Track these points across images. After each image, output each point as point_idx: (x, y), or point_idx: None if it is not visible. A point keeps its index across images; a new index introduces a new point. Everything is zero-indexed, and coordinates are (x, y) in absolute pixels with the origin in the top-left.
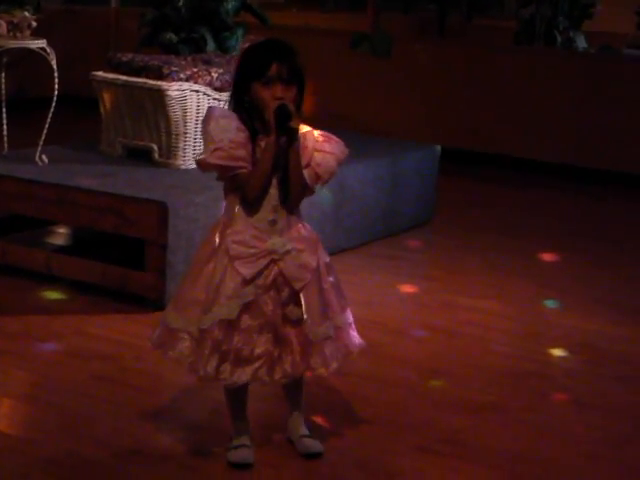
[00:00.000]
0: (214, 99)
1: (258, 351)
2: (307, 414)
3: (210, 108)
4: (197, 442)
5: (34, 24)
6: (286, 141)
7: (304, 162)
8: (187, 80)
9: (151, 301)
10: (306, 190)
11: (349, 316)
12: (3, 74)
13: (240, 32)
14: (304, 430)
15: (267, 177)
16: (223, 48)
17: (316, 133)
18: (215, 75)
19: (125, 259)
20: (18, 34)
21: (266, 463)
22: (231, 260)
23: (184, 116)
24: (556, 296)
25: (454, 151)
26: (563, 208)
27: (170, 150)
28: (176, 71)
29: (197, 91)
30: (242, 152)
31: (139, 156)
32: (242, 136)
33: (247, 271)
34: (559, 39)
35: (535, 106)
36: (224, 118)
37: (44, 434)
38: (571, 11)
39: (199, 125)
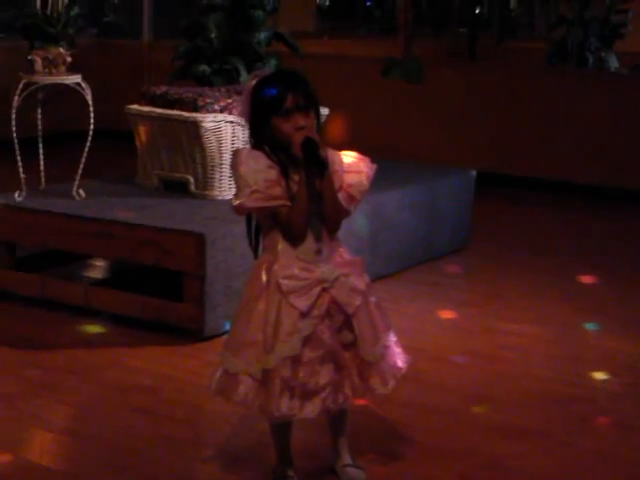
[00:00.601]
0: None
1: (322, 382)
2: (350, 443)
3: (236, 151)
4: (240, 474)
5: (69, 60)
6: (318, 171)
7: (337, 185)
8: (221, 111)
9: (190, 332)
10: (344, 214)
11: (393, 335)
12: (39, 110)
13: (273, 62)
14: (347, 459)
15: (307, 212)
16: None
17: (342, 154)
18: None
19: (163, 291)
20: (53, 70)
21: None
22: (284, 296)
23: (219, 147)
24: (596, 318)
25: (488, 175)
26: (599, 229)
27: (206, 181)
28: (210, 103)
29: (232, 122)
30: (278, 190)
31: (175, 188)
32: (274, 173)
33: (303, 304)
34: (591, 60)
35: (568, 127)
36: (253, 158)
37: (86, 468)
38: (602, 31)
39: None
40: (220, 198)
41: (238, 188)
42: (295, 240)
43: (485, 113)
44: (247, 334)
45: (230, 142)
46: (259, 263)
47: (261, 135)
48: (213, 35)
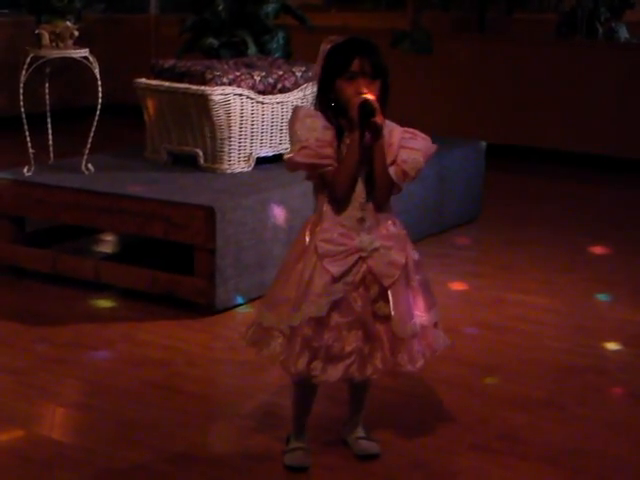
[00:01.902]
0: (257, 102)
1: (349, 348)
2: (363, 416)
3: (296, 108)
4: (252, 446)
5: (76, 34)
6: (371, 137)
7: (390, 159)
8: (230, 84)
9: (201, 306)
10: (393, 187)
11: (436, 315)
12: (47, 84)
13: (281, 35)
14: (361, 431)
15: (353, 174)
16: (264, 51)
17: (402, 130)
18: (258, 78)
19: (174, 265)
20: (60, 44)
21: (322, 465)
22: (320, 258)
23: (228, 120)
24: (607, 289)
25: (498, 146)
26: (610, 200)
27: (215, 155)
28: (219, 75)
29: (240, 95)
30: (329, 150)
31: (184, 162)
32: (329, 134)
33: (336, 269)
34: (600, 30)
35: (578, 98)
36: (310, 117)
37: (98, 442)
38: (612, 2)
39: (243, 129)
40: (229, 171)
41: (291, 143)
42: (337, 202)
43: (494, 85)
44: (283, 291)
45: (239, 115)
46: (305, 224)
47: (326, 98)
48: (221, 8)
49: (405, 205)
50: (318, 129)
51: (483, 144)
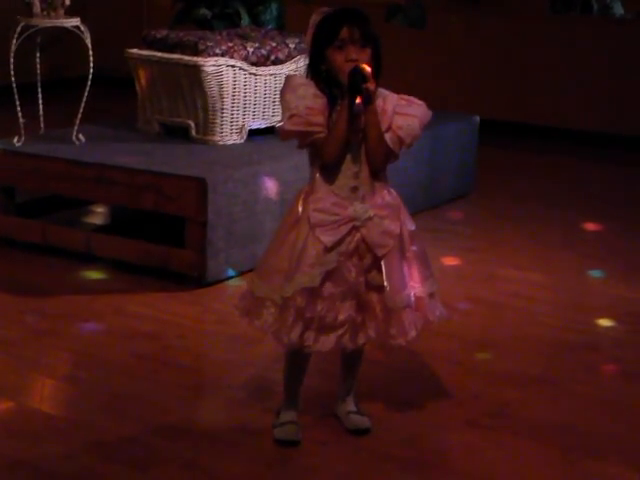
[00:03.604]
0: (250, 74)
1: (341, 318)
2: (355, 390)
3: (288, 77)
4: (242, 419)
5: (68, 3)
6: (362, 103)
7: (385, 126)
8: (223, 55)
9: (192, 278)
10: (390, 155)
11: (432, 286)
12: (38, 54)
13: (274, 6)
14: (352, 406)
15: (343, 140)
16: (257, 22)
17: (397, 97)
18: (251, 50)
19: (165, 237)
20: (52, 13)
21: (313, 440)
22: (312, 228)
23: (220, 91)
24: (600, 266)
25: (491, 122)
26: (604, 177)
27: (207, 126)
28: (211, 46)
29: (233, 66)
30: (319, 118)
31: (176, 133)
32: (319, 102)
33: (328, 239)
34: (595, 6)
35: (572, 74)
36: (301, 86)
37: (87, 414)
38: None
39: (236, 100)
40: (221, 143)
41: (282, 112)
42: (328, 169)
43: (489, 59)
44: (276, 261)
45: (232, 86)
46: (299, 193)
47: (318, 68)
48: None
49: (398, 179)
50: (309, 97)
51: (477, 119)
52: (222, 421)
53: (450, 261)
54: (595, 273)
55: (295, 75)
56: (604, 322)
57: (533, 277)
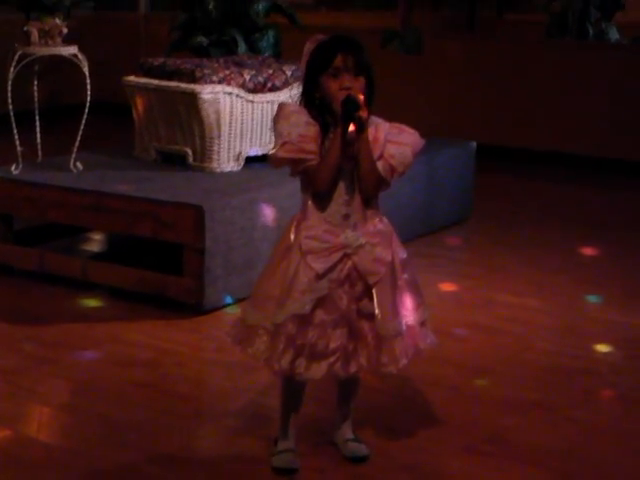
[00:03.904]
0: (247, 101)
1: (333, 345)
2: (352, 417)
3: (281, 104)
4: (239, 448)
5: (65, 31)
6: (355, 132)
7: (377, 154)
8: (220, 83)
9: (190, 306)
10: (382, 183)
11: (423, 314)
12: (35, 82)
13: (271, 33)
14: (350, 433)
15: (335, 168)
16: (254, 49)
17: (389, 125)
18: (247, 77)
19: (162, 264)
20: (49, 41)
21: (311, 468)
22: (304, 255)
23: (217, 119)
24: (597, 291)
25: (488, 147)
26: (601, 202)
27: (204, 153)
28: (208, 74)
29: (230, 93)
30: (312, 146)
31: (173, 160)
32: (312, 130)
33: (320, 265)
34: (591, 32)
35: (568, 100)
36: (294, 113)
37: (84, 443)
38: (603, 3)
39: (233, 127)
40: (219, 170)
41: (275, 140)
42: (320, 197)
43: (485, 85)
44: (268, 288)
45: (229, 114)
46: (291, 220)
47: (312, 95)
48: (211, 6)
49: (395, 205)
50: (301, 125)
51: (473, 144)
52: (220, 449)
53: (447, 287)
54: (592, 298)
55: (288, 103)
56: (601, 347)
57: (530, 302)
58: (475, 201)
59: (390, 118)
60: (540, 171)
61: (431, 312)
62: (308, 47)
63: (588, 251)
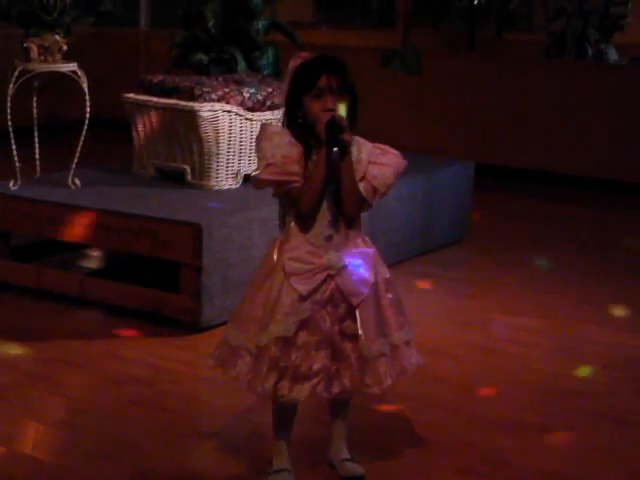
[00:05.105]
0: (246, 119)
1: (316, 367)
2: (348, 436)
3: (263, 125)
4: (236, 466)
5: (65, 47)
6: (338, 154)
7: (359, 175)
8: (219, 101)
9: (186, 324)
10: (364, 204)
11: (408, 334)
12: (35, 98)
13: (271, 51)
14: (345, 453)
15: (319, 190)
16: (254, 67)
17: (372, 145)
18: (247, 95)
19: (160, 282)
20: (49, 58)
21: None
22: (287, 277)
23: (216, 137)
24: (595, 311)
25: (487, 166)
26: (599, 221)
27: (203, 171)
28: (208, 92)
29: (229, 111)
30: (295, 167)
31: (172, 178)
32: (295, 151)
33: (303, 287)
34: (590, 52)
35: (567, 119)
36: (277, 134)
37: (79, 460)
38: (602, 23)
39: (232, 145)
40: (217, 188)
41: (257, 161)
42: (304, 219)
43: (484, 104)
44: (251, 310)
45: (228, 132)
46: (273, 241)
47: (295, 115)
48: (211, 24)
49: (393, 224)
50: (284, 146)
51: (472, 163)
52: (215, 468)
53: (444, 306)
54: (591, 319)
55: (270, 124)
56: (598, 368)
57: (527, 322)
58: (474, 220)
59: (389, 136)
60: (539, 190)
61: (428, 331)
62: (292, 64)
63: (586, 271)
